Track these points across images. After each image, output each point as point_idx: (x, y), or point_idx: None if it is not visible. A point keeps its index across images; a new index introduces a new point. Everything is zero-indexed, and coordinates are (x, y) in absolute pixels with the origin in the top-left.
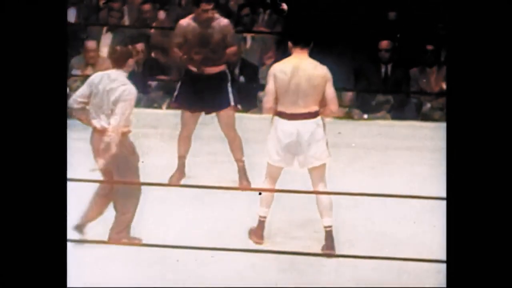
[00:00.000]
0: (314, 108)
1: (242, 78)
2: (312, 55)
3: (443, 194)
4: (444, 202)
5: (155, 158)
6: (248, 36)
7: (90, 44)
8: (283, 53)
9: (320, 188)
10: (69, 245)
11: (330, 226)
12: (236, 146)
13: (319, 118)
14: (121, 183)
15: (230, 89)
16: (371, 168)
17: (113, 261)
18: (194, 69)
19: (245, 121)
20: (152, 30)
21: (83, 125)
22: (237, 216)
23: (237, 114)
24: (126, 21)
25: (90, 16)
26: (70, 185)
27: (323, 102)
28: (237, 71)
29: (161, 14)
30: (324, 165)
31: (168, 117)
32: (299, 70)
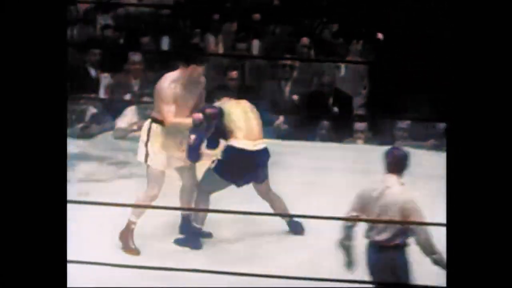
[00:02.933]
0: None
1: (335, 109)
2: None
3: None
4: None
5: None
6: (342, 66)
7: None
8: (376, 81)
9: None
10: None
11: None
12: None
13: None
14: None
15: None
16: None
17: None
18: None
19: (340, 151)
20: None
21: None
22: None
23: (332, 144)
24: (221, 48)
25: (183, 44)
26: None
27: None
28: (330, 101)
29: (255, 43)
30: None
31: None
32: None
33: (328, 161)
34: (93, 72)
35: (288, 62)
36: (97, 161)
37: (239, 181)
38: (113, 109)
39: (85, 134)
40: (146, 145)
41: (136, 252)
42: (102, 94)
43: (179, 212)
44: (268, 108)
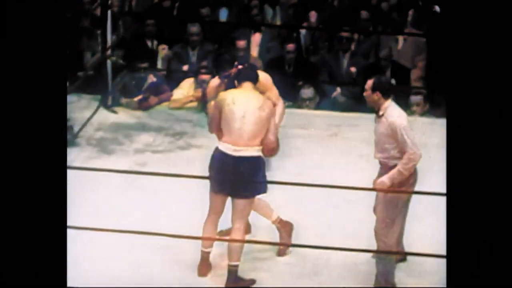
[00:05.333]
0: None
1: (393, 81)
2: None
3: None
4: (444, 198)
5: (303, 159)
6: (400, 38)
7: (241, 43)
8: (434, 55)
9: None
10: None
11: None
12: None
13: None
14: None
15: None
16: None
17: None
18: None
19: None
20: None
21: None
22: None
23: None
24: (278, 21)
25: (241, 16)
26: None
27: None
28: (388, 73)
29: (312, 15)
30: None
31: (319, 118)
32: None
33: None
34: (150, 43)
35: (346, 34)
36: (155, 132)
37: (223, 190)
38: (171, 80)
39: (142, 106)
40: None
41: None
42: (160, 65)
43: None
44: (326, 79)
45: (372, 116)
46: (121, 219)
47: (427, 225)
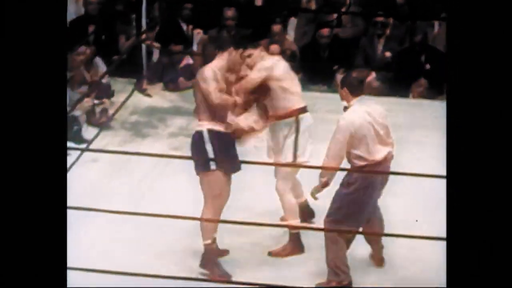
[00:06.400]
0: None
1: (428, 66)
2: None
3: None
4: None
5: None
6: (436, 22)
7: (277, 27)
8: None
9: None
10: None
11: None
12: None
13: None
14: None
15: None
16: None
17: None
18: None
19: (433, 108)
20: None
21: None
22: None
23: (425, 101)
24: (313, 5)
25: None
26: None
27: None
28: (423, 58)
29: None
30: None
31: None
32: None
33: (420, 118)
34: (185, 27)
35: (382, 19)
36: (188, 116)
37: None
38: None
39: (170, 87)
40: None
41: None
42: (195, 49)
43: None
44: (361, 64)
45: (407, 101)
46: (154, 202)
47: (427, 208)
